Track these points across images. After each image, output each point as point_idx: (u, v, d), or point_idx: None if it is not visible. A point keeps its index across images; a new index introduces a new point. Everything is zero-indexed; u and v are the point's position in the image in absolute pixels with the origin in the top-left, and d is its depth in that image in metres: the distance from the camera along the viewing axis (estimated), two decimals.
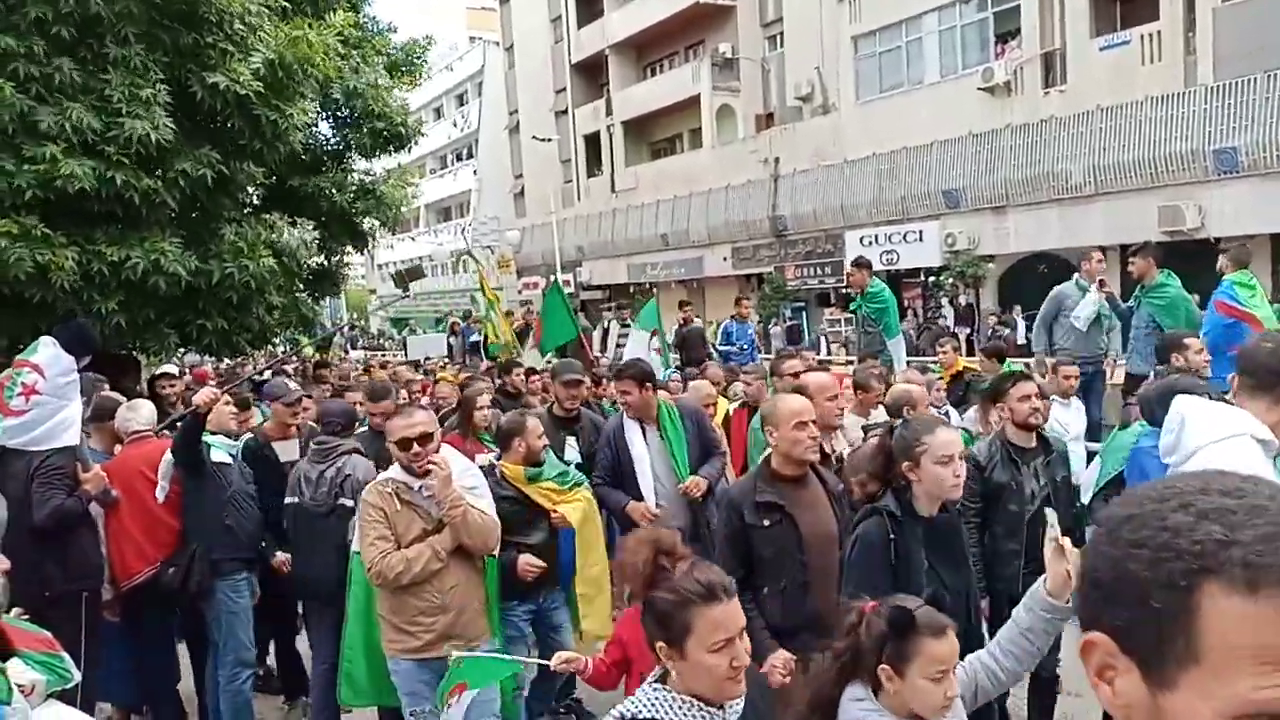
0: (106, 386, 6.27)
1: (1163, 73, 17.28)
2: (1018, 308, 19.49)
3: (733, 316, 13.09)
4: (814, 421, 3.72)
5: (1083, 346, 8.07)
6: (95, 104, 7.50)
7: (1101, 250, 9.31)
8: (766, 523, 3.63)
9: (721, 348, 12.24)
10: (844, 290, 21.41)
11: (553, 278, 13.29)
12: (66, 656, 2.93)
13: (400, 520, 3.87)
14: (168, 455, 4.93)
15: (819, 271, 24.38)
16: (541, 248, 32.77)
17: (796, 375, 5.75)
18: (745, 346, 12.20)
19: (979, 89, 20.26)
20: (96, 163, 7.38)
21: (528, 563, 4.48)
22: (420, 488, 3.89)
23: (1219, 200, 16.29)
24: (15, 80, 7.27)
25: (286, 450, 5.61)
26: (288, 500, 5.02)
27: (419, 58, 12.04)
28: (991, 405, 4.17)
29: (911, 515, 3.12)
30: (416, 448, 3.84)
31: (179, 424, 4.98)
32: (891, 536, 3.08)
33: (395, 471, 3.96)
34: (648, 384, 5.23)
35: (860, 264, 9.38)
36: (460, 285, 37.94)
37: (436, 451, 3.94)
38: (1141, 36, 17.67)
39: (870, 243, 22.03)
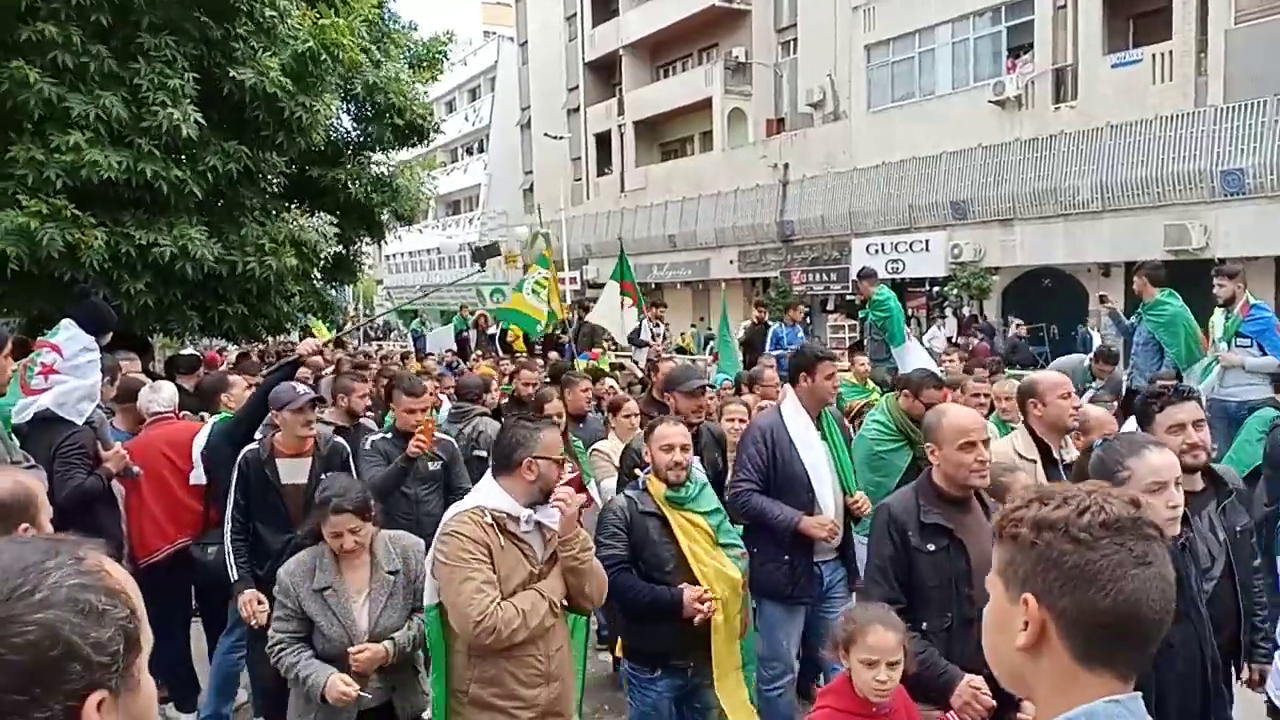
0: (137, 366, 6.35)
1: (1173, 92, 17.41)
2: (1012, 318, 19.17)
3: (783, 321, 13.65)
4: (985, 442, 3.21)
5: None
6: (125, 95, 7.64)
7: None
8: (932, 547, 3.15)
9: (774, 352, 12.54)
10: (849, 298, 21.58)
11: (620, 249, 13.68)
12: None
13: (504, 561, 3.00)
14: (201, 435, 5.03)
15: (825, 278, 24.51)
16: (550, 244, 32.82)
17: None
18: None
19: (989, 102, 20.40)
20: (125, 154, 7.50)
21: (693, 600, 3.53)
22: (527, 519, 3.06)
23: (1224, 221, 16.41)
24: (48, 69, 7.40)
25: (292, 471, 4.35)
26: None
27: (441, 53, 12.15)
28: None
29: None
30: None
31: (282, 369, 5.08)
32: None
33: (495, 498, 3.06)
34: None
35: (864, 275, 9.54)
36: (471, 279, 37.95)
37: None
38: (1153, 55, 17.80)
39: (876, 251, 22.17)
